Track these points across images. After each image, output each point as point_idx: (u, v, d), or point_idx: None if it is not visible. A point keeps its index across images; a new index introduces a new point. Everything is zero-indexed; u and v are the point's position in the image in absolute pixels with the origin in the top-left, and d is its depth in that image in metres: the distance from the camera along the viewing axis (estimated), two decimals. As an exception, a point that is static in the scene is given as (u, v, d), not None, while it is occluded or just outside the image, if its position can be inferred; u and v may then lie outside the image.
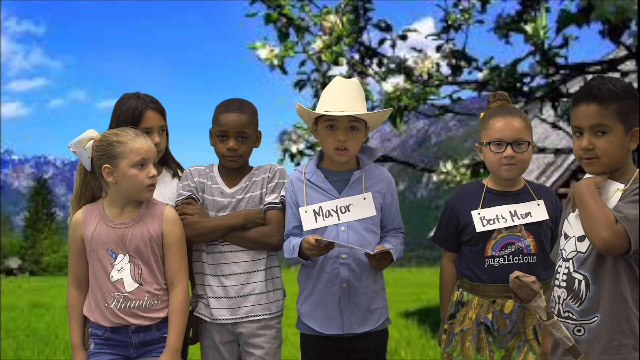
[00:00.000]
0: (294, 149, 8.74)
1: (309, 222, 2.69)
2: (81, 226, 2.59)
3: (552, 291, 2.37)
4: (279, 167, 2.85)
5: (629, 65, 7.91)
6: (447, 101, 8.48)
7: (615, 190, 2.21)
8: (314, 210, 2.69)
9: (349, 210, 2.68)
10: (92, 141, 2.59)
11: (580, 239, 2.26)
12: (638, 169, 2.25)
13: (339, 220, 2.67)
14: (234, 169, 2.82)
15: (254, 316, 2.74)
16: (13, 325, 10.16)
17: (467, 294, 2.73)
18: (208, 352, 2.80)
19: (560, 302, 2.29)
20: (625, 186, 2.19)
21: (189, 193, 2.79)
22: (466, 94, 8.63)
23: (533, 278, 2.09)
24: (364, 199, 2.69)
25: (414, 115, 8.79)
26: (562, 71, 7.56)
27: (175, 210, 2.74)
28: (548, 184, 11.63)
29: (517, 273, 2.11)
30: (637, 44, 7.02)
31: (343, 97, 2.66)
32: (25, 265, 47.20)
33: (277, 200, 2.77)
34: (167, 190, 2.90)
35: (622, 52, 8.10)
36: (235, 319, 2.74)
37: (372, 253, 2.58)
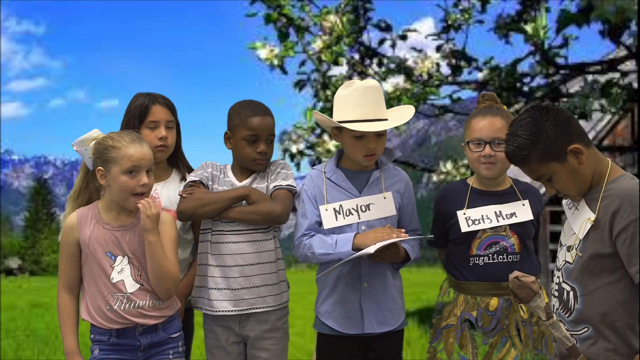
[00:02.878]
0: (294, 149, 8.75)
1: (329, 220, 2.71)
2: (76, 230, 2.55)
3: (550, 298, 2.39)
4: (281, 161, 2.89)
5: (629, 65, 7.90)
6: (447, 101, 8.49)
7: (586, 219, 2.21)
8: (334, 208, 2.71)
9: (369, 209, 2.71)
10: (95, 141, 2.58)
11: (569, 248, 2.28)
12: (609, 172, 2.23)
13: (360, 219, 2.70)
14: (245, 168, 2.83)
15: (256, 308, 2.72)
16: (13, 325, 10.15)
17: (452, 291, 2.78)
18: (215, 353, 2.78)
19: (555, 310, 2.32)
20: (595, 212, 2.19)
21: (199, 179, 2.79)
22: (466, 94, 8.63)
23: (532, 278, 2.10)
24: (384, 198, 2.72)
25: (414, 115, 8.78)
26: (562, 71, 7.56)
27: (183, 190, 2.77)
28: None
29: (516, 273, 2.11)
30: (637, 44, 7.01)
31: (370, 105, 2.67)
32: (25, 265, 47.12)
33: (284, 184, 2.76)
34: (174, 194, 2.88)
35: (622, 52, 8.10)
36: (237, 311, 2.71)
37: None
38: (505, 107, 2.79)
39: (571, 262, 2.24)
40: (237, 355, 2.78)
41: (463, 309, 2.71)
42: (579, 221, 2.24)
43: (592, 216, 2.18)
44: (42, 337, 8.76)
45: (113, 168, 2.51)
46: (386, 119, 2.69)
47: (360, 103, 2.66)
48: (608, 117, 9.49)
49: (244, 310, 2.72)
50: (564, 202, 2.44)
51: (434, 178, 8.93)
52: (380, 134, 2.68)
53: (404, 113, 2.78)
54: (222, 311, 2.72)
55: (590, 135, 9.79)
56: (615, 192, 2.16)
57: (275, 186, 2.76)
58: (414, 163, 10.09)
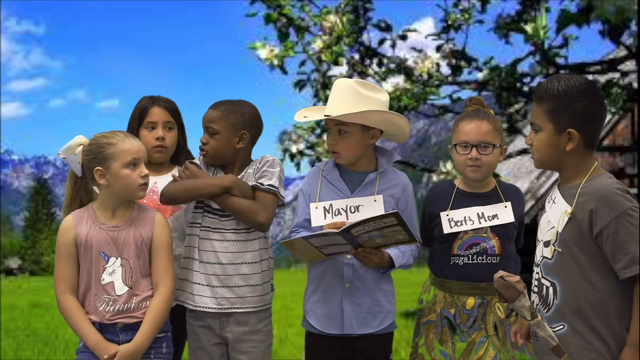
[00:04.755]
0: (294, 149, 8.75)
1: (318, 218, 2.70)
2: (73, 230, 2.57)
3: (531, 295, 2.40)
4: (269, 158, 2.83)
5: (629, 65, 7.91)
6: (447, 101, 8.51)
7: (563, 212, 2.23)
8: (324, 207, 2.70)
9: (358, 211, 2.68)
10: (81, 147, 2.59)
11: (546, 244, 2.29)
12: (590, 172, 2.25)
13: (348, 220, 2.67)
14: (233, 163, 2.83)
15: (236, 308, 2.72)
16: (13, 325, 10.15)
17: (434, 288, 2.84)
18: (197, 354, 2.78)
19: (535, 306, 2.32)
20: (572, 205, 2.21)
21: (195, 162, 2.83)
22: (466, 94, 8.64)
23: (517, 278, 2.10)
24: (375, 201, 2.70)
25: (414, 115, 8.80)
26: (562, 71, 7.57)
27: (174, 176, 2.78)
28: (549, 183, 11.64)
29: (501, 273, 2.12)
30: (637, 44, 7.02)
31: (333, 100, 2.69)
32: (25, 265, 47.15)
33: (265, 183, 2.75)
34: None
35: (622, 52, 8.11)
36: (217, 309, 2.71)
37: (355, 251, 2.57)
38: (491, 110, 2.84)
39: (550, 257, 2.25)
40: (219, 357, 2.77)
41: (442, 306, 2.77)
42: (557, 214, 2.26)
43: (569, 209, 2.21)
44: (42, 337, 8.76)
45: (113, 164, 2.53)
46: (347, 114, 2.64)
47: (330, 98, 2.71)
48: (608, 117, 9.50)
49: (225, 309, 2.71)
50: (547, 200, 2.46)
51: (434, 178, 8.93)
52: (340, 132, 2.67)
53: (367, 114, 2.65)
54: (202, 307, 2.72)
55: (590, 135, 9.80)
56: (592, 190, 2.18)
57: (255, 184, 2.74)
58: (414, 163, 10.10)
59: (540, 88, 2.27)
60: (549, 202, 2.36)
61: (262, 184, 2.73)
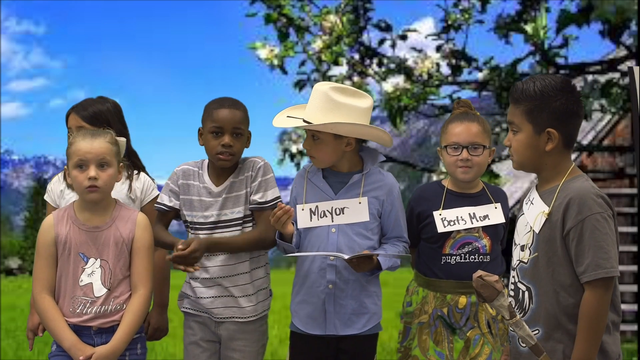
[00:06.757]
0: (294, 149, 8.75)
1: (303, 220, 2.69)
2: (53, 229, 2.53)
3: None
4: (261, 163, 2.80)
5: (629, 65, 7.90)
6: (447, 101, 8.50)
7: (540, 213, 2.22)
8: (310, 209, 2.70)
9: (343, 213, 2.67)
10: None
11: (522, 247, 2.28)
12: (568, 173, 2.24)
13: (332, 221, 2.67)
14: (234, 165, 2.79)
15: (238, 318, 2.74)
16: (13, 325, 10.15)
17: (421, 289, 2.83)
18: (189, 349, 2.80)
19: None
20: (549, 206, 2.20)
21: (165, 207, 2.80)
22: (466, 94, 8.64)
23: (496, 277, 2.10)
24: (359, 203, 2.68)
25: (414, 115, 8.80)
26: (562, 71, 7.57)
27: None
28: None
29: (480, 272, 2.12)
30: (637, 44, 7.02)
31: (309, 106, 2.68)
32: (25, 265, 47.06)
33: (263, 200, 2.75)
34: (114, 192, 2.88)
35: (622, 52, 8.10)
36: (221, 318, 2.75)
37: (346, 257, 2.56)
38: (478, 113, 2.87)
39: (525, 261, 2.24)
40: (212, 354, 2.78)
41: (434, 306, 2.77)
42: (534, 215, 2.25)
43: (547, 209, 2.20)
44: (42, 337, 8.75)
45: (69, 164, 2.52)
46: (314, 123, 2.63)
47: (308, 103, 2.70)
48: (608, 117, 9.49)
49: (227, 318, 2.76)
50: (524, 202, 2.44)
51: (434, 178, 8.93)
52: (314, 138, 2.66)
53: (334, 125, 2.61)
54: (207, 315, 2.77)
55: (590, 135, 9.80)
56: (568, 191, 2.17)
57: (255, 205, 2.74)
58: (414, 163, 10.09)
59: (515, 89, 2.27)
60: (526, 203, 2.35)
61: (264, 204, 2.73)
